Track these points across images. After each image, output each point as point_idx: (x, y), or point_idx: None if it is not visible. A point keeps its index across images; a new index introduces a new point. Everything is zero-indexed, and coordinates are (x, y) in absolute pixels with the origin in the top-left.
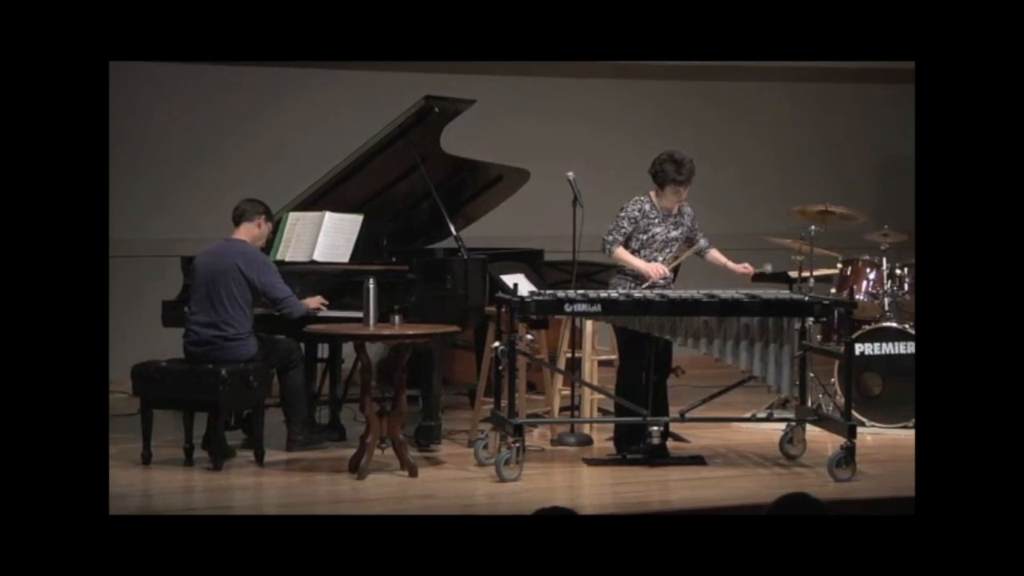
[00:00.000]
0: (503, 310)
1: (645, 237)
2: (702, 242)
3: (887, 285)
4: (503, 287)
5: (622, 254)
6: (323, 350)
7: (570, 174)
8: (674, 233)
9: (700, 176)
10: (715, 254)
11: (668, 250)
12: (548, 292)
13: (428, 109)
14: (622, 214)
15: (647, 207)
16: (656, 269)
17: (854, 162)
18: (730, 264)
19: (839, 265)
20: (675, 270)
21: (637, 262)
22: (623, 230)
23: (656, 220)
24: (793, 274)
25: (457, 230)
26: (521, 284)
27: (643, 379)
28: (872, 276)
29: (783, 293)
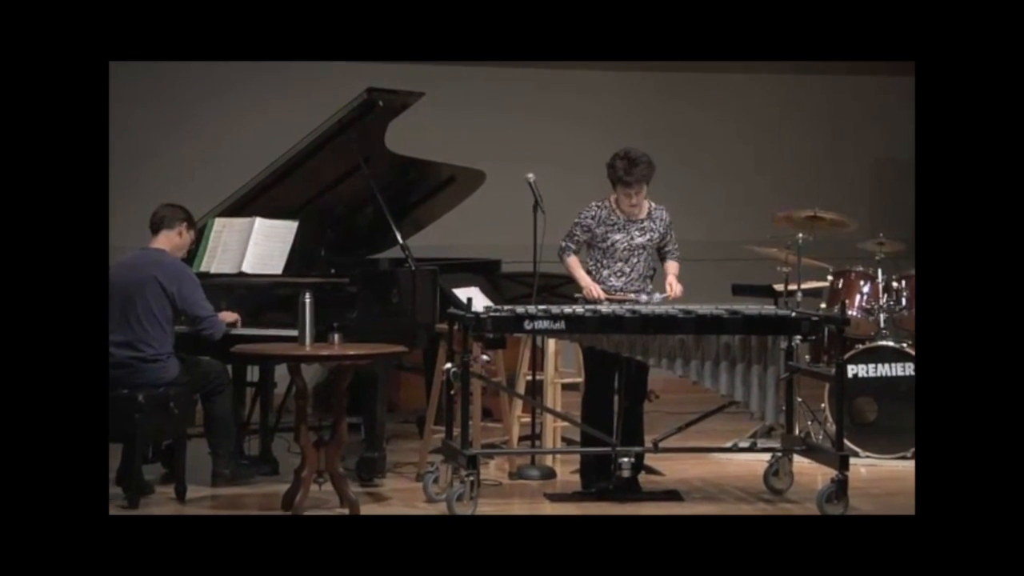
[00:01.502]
0: (455, 328)
1: (605, 246)
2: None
3: (883, 300)
4: (455, 302)
5: (572, 264)
6: (253, 373)
7: (530, 176)
8: (639, 240)
9: (674, 177)
10: (669, 265)
11: (635, 259)
12: (506, 307)
13: (371, 103)
14: (576, 220)
15: (604, 213)
16: (592, 291)
17: (846, 162)
18: (672, 279)
19: (830, 277)
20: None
21: (581, 276)
22: (575, 238)
23: (616, 226)
24: (778, 287)
25: (404, 238)
26: (476, 298)
27: (613, 404)
28: (866, 289)
29: (768, 309)
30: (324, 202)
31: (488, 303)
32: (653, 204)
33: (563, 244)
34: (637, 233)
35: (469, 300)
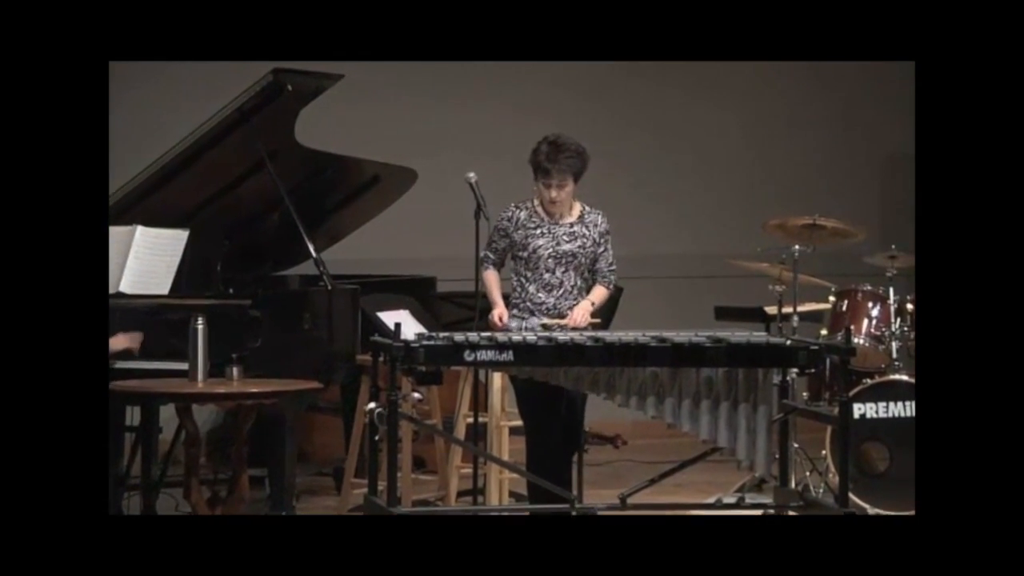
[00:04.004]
0: (381, 359)
1: (526, 254)
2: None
3: (895, 325)
4: (380, 328)
5: (487, 280)
6: (133, 415)
7: (471, 175)
8: (568, 247)
9: (646, 177)
10: (595, 291)
11: (564, 269)
12: (442, 335)
13: (278, 86)
14: (495, 223)
15: (523, 214)
16: (496, 315)
17: (853, 160)
18: (584, 303)
19: (832, 298)
20: None
21: (494, 296)
22: (494, 245)
23: (538, 230)
24: (771, 310)
25: (318, 251)
26: (405, 323)
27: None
28: (875, 313)
29: (757, 336)
30: (221, 207)
31: (420, 329)
32: (587, 207)
33: (482, 254)
34: (565, 238)
35: (397, 326)
